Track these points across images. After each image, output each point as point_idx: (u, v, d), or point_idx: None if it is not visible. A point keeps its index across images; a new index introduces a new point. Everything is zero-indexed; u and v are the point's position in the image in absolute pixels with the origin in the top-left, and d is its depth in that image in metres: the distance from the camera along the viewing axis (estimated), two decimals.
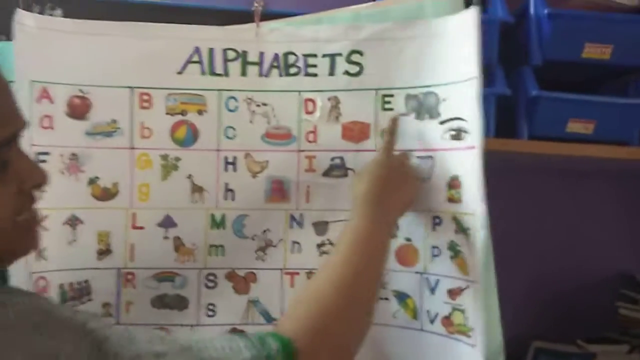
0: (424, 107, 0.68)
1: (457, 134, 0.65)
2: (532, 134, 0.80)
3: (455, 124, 0.66)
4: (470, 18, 0.63)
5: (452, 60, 0.65)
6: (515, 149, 0.78)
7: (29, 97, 0.67)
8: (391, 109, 0.69)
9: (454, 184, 0.66)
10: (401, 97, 0.69)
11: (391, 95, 0.69)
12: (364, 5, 0.72)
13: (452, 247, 0.66)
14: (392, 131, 0.66)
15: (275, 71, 0.70)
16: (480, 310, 0.63)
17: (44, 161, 0.68)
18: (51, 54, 0.68)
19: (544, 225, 1.01)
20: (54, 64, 0.68)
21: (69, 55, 0.68)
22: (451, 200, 0.66)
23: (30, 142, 0.67)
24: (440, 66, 0.66)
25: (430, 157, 0.68)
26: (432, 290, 0.68)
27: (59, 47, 0.68)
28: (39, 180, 0.49)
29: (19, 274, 0.67)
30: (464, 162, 0.65)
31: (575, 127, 0.80)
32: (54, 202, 0.68)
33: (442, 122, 0.67)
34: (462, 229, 0.65)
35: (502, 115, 0.77)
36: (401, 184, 0.63)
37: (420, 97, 0.68)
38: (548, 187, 1.01)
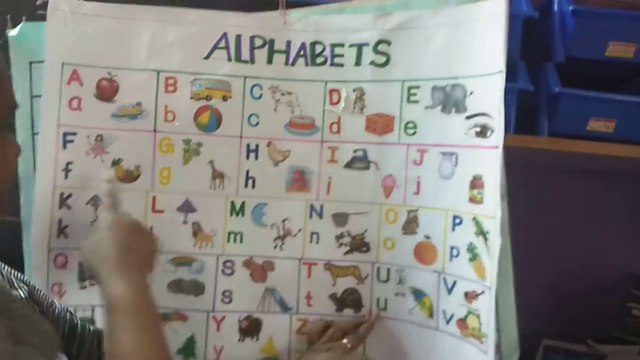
0: (451, 100, 0.65)
1: (482, 131, 0.62)
2: (552, 131, 0.77)
3: (481, 120, 0.62)
4: (499, 5, 0.60)
5: (480, 51, 0.62)
6: (535, 146, 0.75)
7: (60, 78, 0.67)
8: (417, 101, 0.66)
9: (476, 183, 0.63)
10: (427, 88, 0.66)
11: (417, 87, 0.66)
12: None
13: (471, 249, 0.63)
14: (113, 193, 0.63)
15: (301, 60, 0.68)
16: (493, 317, 0.60)
17: (70, 141, 0.68)
18: (82, 37, 0.68)
19: (558, 224, 0.98)
20: (85, 47, 0.68)
21: (99, 39, 0.68)
22: (473, 200, 0.63)
23: (58, 122, 0.68)
24: (468, 57, 0.63)
25: (454, 153, 0.65)
26: (449, 291, 0.65)
27: (90, 31, 0.68)
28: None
29: (38, 249, 0.68)
30: (487, 162, 0.61)
31: (596, 125, 0.77)
32: (79, 182, 0.68)
33: (468, 117, 0.63)
34: (481, 232, 0.62)
35: (522, 111, 0.75)
36: (142, 245, 0.60)
37: (447, 89, 0.65)
38: (564, 186, 0.99)
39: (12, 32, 0.71)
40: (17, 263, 0.69)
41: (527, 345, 0.68)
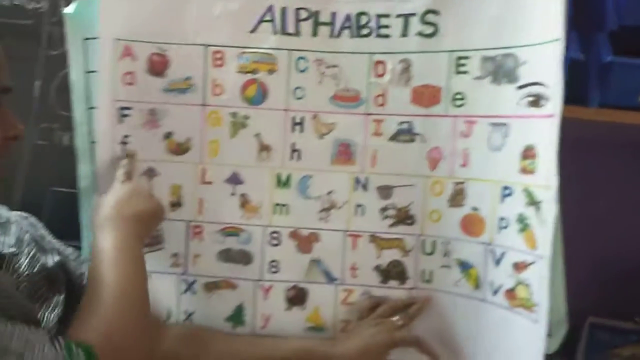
0: (502, 70, 0.63)
1: (536, 101, 0.60)
2: (603, 102, 0.73)
3: (534, 89, 0.60)
4: None
5: (535, 19, 0.60)
6: (585, 117, 0.71)
7: (113, 54, 0.69)
8: (466, 72, 0.65)
9: (528, 154, 0.61)
10: (477, 59, 0.64)
11: (466, 57, 0.65)
12: None
13: (521, 219, 0.62)
14: (129, 164, 0.68)
15: (346, 32, 0.68)
16: (546, 286, 0.59)
17: (126, 115, 0.70)
18: (134, 12, 0.69)
19: (608, 200, 0.94)
20: (136, 22, 0.69)
21: (149, 14, 0.69)
22: (524, 171, 0.61)
23: (113, 97, 0.70)
24: (521, 25, 0.61)
25: (504, 124, 0.63)
26: (497, 262, 0.65)
27: (141, 7, 0.69)
28: (15, 132, 0.54)
29: None
30: (541, 131, 0.60)
31: None
32: (136, 154, 0.70)
33: (520, 87, 0.62)
34: (533, 202, 0.60)
35: (572, 82, 0.70)
36: (138, 204, 0.62)
37: (498, 59, 0.63)
38: (615, 160, 0.93)
39: (68, 10, 0.73)
40: (74, 233, 0.73)
41: (573, 323, 0.66)
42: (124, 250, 0.57)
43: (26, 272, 0.56)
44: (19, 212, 0.65)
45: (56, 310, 0.57)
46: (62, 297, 0.59)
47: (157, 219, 0.66)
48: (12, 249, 0.57)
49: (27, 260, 0.58)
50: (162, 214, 0.66)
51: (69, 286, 0.62)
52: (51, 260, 0.62)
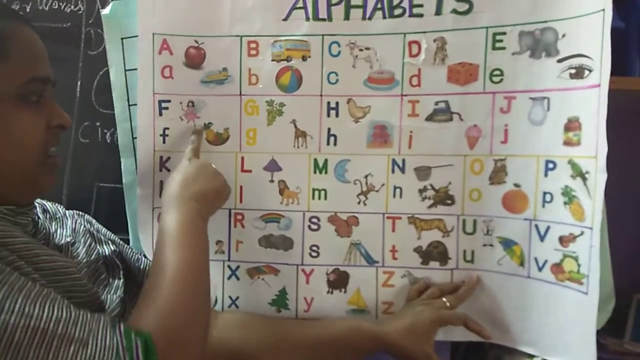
0: (541, 44, 0.61)
1: (578, 72, 0.58)
2: None
3: (575, 61, 0.59)
4: None
5: None
6: (627, 87, 0.68)
7: (151, 49, 0.70)
8: (503, 48, 0.63)
9: (572, 126, 0.59)
10: (514, 34, 0.62)
11: (503, 33, 0.63)
12: None
13: (567, 192, 0.60)
14: (196, 140, 0.68)
15: (378, 13, 0.67)
16: (596, 256, 0.57)
17: (166, 108, 0.71)
18: (170, 7, 0.70)
19: None
20: (173, 17, 0.70)
21: (185, 8, 0.70)
22: (568, 143, 0.60)
23: (153, 90, 0.71)
24: None
25: (546, 98, 0.61)
26: (542, 238, 0.63)
27: (178, 1, 0.69)
28: (64, 121, 0.55)
29: (144, 208, 0.72)
30: (585, 102, 0.58)
31: None
32: (175, 145, 0.72)
33: (560, 60, 0.60)
34: (579, 173, 0.58)
35: (612, 50, 0.68)
36: (204, 182, 0.62)
37: (536, 34, 0.61)
38: None
39: (105, 11, 0.74)
40: (120, 224, 0.75)
41: (620, 300, 0.64)
42: (187, 230, 0.56)
43: (85, 260, 0.57)
44: (75, 211, 0.66)
45: (118, 292, 0.58)
46: (121, 281, 0.60)
47: (222, 198, 0.65)
48: (69, 239, 0.58)
49: (84, 249, 0.59)
50: (227, 193, 0.66)
51: (127, 272, 0.64)
52: (107, 249, 0.63)
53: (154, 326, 0.47)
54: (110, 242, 0.65)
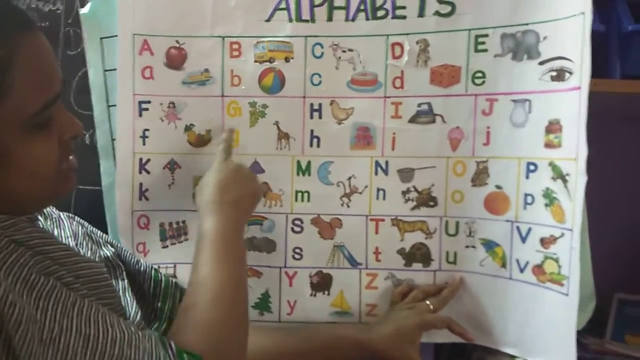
0: (522, 46, 0.61)
1: (559, 75, 0.58)
2: (625, 73, 0.70)
3: (557, 63, 0.58)
4: None
5: None
6: (607, 90, 0.68)
7: (132, 49, 0.68)
8: (485, 50, 0.63)
9: (553, 128, 0.59)
10: (496, 36, 0.62)
11: (485, 35, 0.62)
12: None
13: (548, 194, 0.59)
14: (228, 140, 0.66)
15: (362, 15, 0.66)
16: (576, 257, 0.57)
17: (146, 109, 0.69)
18: (151, 7, 0.68)
19: (634, 175, 0.90)
20: (154, 17, 0.68)
21: (166, 8, 0.68)
22: (549, 145, 0.59)
23: (133, 91, 0.69)
24: (541, 1, 0.59)
25: (527, 100, 0.61)
26: (523, 239, 0.62)
27: (158, 1, 0.67)
28: (76, 131, 0.49)
29: (123, 212, 0.70)
30: (565, 105, 0.57)
31: None
32: (155, 147, 0.69)
33: (541, 63, 0.59)
34: (560, 175, 0.58)
35: (592, 53, 0.68)
36: (241, 186, 0.60)
37: (518, 36, 0.61)
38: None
39: (84, 10, 0.72)
40: (100, 228, 0.72)
41: (601, 300, 0.64)
42: (226, 240, 0.54)
43: None
44: (65, 213, 0.64)
45: (127, 294, 0.56)
46: (125, 282, 0.58)
47: (257, 201, 0.63)
48: (72, 243, 0.56)
49: (89, 253, 0.57)
50: (261, 194, 0.64)
51: (128, 274, 0.61)
52: (108, 251, 0.61)
53: (203, 346, 0.46)
54: (108, 244, 0.63)
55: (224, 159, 0.63)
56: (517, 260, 0.63)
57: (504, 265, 0.64)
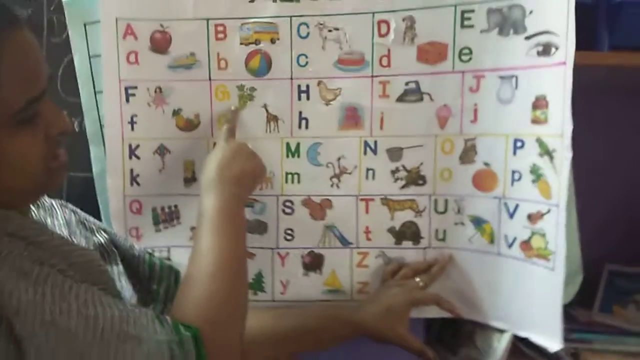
0: (509, 21, 0.60)
1: (545, 49, 0.57)
2: (613, 45, 0.68)
3: (543, 38, 0.57)
4: None
5: None
6: (595, 62, 0.67)
7: (115, 34, 0.67)
8: (471, 26, 0.62)
9: (539, 104, 0.58)
10: (482, 11, 0.61)
11: (472, 11, 0.61)
12: None
13: (535, 170, 0.60)
14: (232, 120, 0.66)
15: None
16: (562, 233, 0.57)
17: (133, 95, 0.68)
18: None
19: (623, 146, 0.90)
20: (136, 1, 0.67)
21: None
22: (536, 121, 0.59)
23: (118, 77, 0.68)
24: None
25: (514, 76, 0.60)
26: (511, 215, 0.63)
27: None
28: (63, 127, 0.49)
29: (115, 197, 0.70)
30: (551, 80, 0.57)
31: None
32: (144, 132, 0.69)
33: (528, 38, 0.59)
34: (546, 151, 0.58)
35: (580, 27, 0.67)
36: (241, 163, 0.60)
37: (504, 11, 0.60)
38: (628, 105, 0.89)
39: None
40: (93, 214, 0.72)
41: (591, 271, 0.65)
42: (226, 216, 0.55)
43: None
44: (58, 200, 0.64)
45: (122, 279, 0.57)
46: (120, 267, 0.58)
47: (259, 179, 0.64)
48: (65, 231, 0.56)
49: (83, 240, 0.57)
50: (264, 173, 0.65)
51: (123, 259, 0.62)
52: (101, 238, 0.61)
53: (200, 319, 0.46)
54: (101, 230, 0.63)
55: (227, 139, 0.64)
56: (505, 236, 0.63)
57: (492, 242, 0.65)
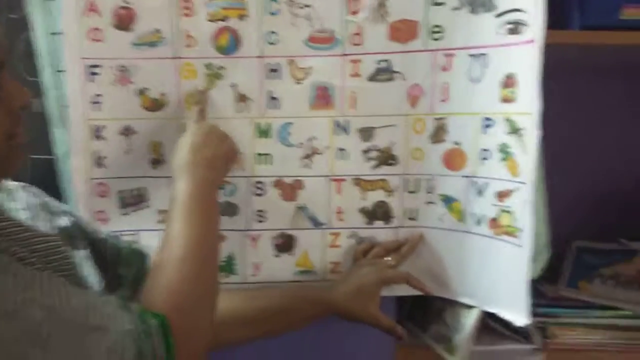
0: None
1: (515, 28, 0.57)
2: (583, 24, 0.69)
3: (513, 16, 0.57)
4: None
5: None
6: (565, 41, 0.67)
7: (77, 10, 0.64)
8: (442, 3, 0.61)
9: (508, 82, 0.58)
10: None
11: None
12: None
13: (503, 148, 0.60)
14: (202, 101, 0.65)
15: None
16: (530, 210, 0.58)
17: (96, 73, 0.65)
18: None
19: (592, 125, 0.92)
20: None
21: None
22: (505, 100, 0.59)
23: (80, 55, 0.65)
24: None
25: (484, 54, 0.60)
26: (480, 193, 0.63)
27: None
28: (24, 100, 0.47)
29: (79, 180, 0.68)
30: (520, 58, 0.57)
31: (630, 13, 0.68)
32: (109, 112, 0.67)
33: (498, 15, 0.58)
34: (515, 130, 0.58)
35: (550, 5, 0.67)
36: (214, 146, 0.59)
37: None
38: (598, 84, 0.90)
39: None
40: (57, 198, 0.70)
41: (559, 247, 0.66)
42: (198, 201, 0.53)
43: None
44: (20, 182, 0.61)
45: (88, 263, 0.55)
46: (86, 251, 0.57)
47: (232, 162, 0.62)
48: (27, 215, 0.54)
49: (46, 224, 0.54)
50: (236, 156, 0.63)
51: (88, 243, 0.60)
52: (64, 221, 0.59)
53: (167, 306, 0.45)
54: (64, 213, 0.61)
55: (198, 120, 0.62)
56: (474, 214, 0.64)
57: (461, 220, 0.65)
